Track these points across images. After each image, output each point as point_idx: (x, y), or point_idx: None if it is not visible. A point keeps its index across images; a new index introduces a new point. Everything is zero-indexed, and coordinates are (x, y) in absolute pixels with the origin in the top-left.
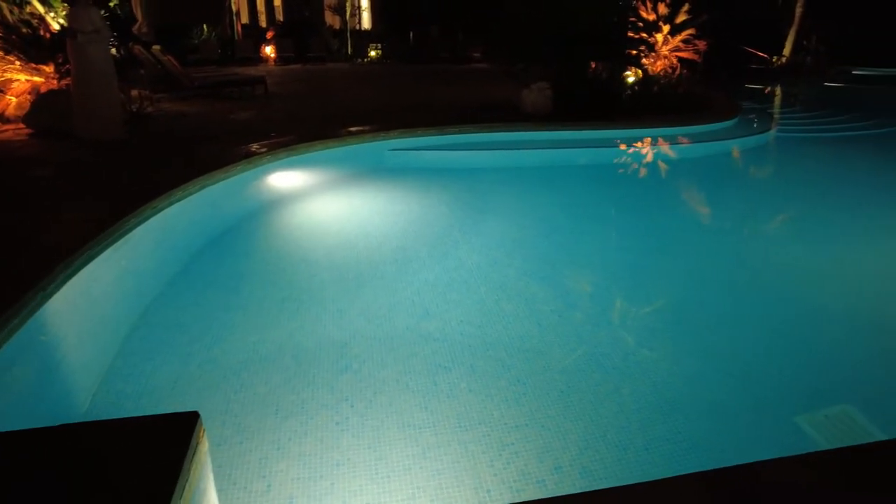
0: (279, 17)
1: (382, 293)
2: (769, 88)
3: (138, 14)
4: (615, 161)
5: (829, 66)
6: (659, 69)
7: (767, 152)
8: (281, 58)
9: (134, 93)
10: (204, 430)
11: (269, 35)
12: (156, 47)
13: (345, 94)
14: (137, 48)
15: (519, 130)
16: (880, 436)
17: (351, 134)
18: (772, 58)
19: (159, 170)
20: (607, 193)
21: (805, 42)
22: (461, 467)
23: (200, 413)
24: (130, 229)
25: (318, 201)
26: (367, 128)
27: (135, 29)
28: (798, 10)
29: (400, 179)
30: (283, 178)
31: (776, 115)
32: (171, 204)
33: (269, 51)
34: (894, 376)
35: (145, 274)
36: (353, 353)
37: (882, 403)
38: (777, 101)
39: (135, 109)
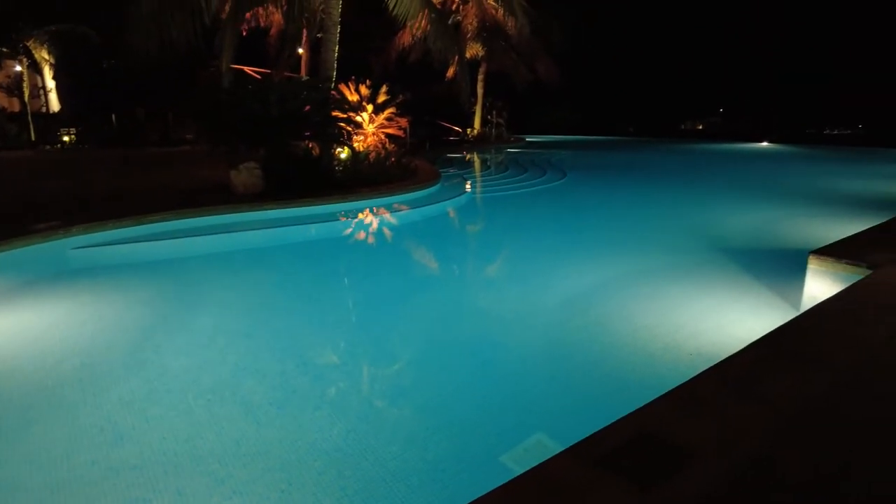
0: None
1: (59, 426)
2: (468, 156)
3: None
4: (329, 235)
5: (509, 136)
6: (370, 144)
7: (466, 211)
8: None
9: None
10: None
11: None
12: None
13: (22, 189)
14: None
15: (227, 213)
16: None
17: (19, 235)
18: (465, 130)
19: None
20: (324, 268)
21: (489, 117)
22: None
23: None
24: None
25: None
26: (42, 226)
27: None
28: (480, 91)
29: (88, 282)
30: None
31: (471, 179)
32: None
33: None
34: (569, 397)
35: None
36: None
37: (563, 422)
38: (473, 166)
39: None
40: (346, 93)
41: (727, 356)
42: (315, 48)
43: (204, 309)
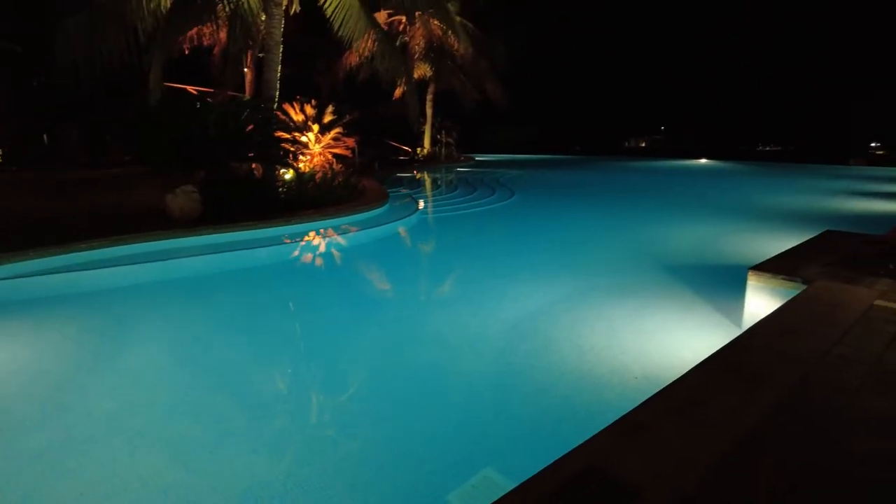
0: None
1: None
2: (418, 175)
3: None
4: (270, 261)
5: (458, 155)
6: (316, 165)
7: (414, 232)
8: None
9: None
10: None
11: None
12: None
13: None
14: None
15: (162, 239)
16: (511, 485)
17: None
18: (415, 149)
19: None
20: (263, 296)
21: (439, 136)
22: None
23: None
24: None
25: None
26: None
27: None
28: (429, 111)
29: (4, 318)
30: None
31: (421, 198)
32: None
33: None
34: (518, 428)
35: None
36: None
37: (511, 455)
38: (422, 185)
39: None
40: (292, 112)
41: (673, 380)
42: (260, 68)
43: (133, 344)
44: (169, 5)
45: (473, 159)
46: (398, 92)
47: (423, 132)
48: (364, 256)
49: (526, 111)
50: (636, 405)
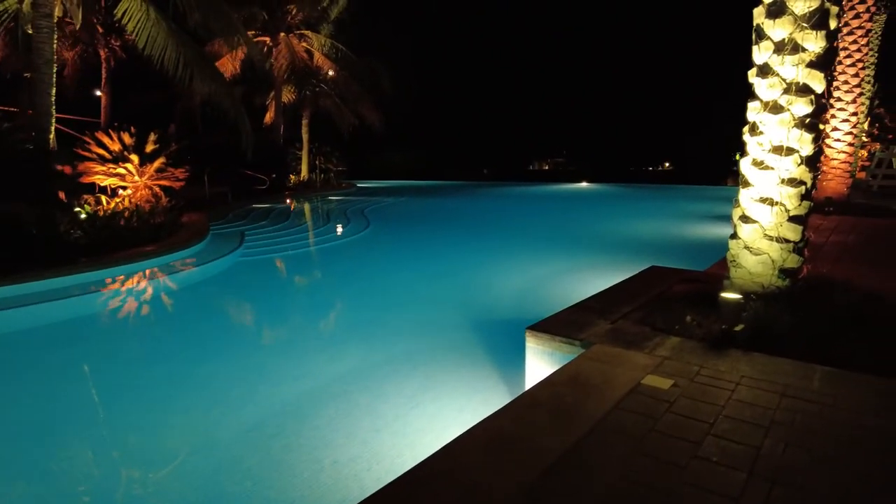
0: None
1: None
2: (291, 204)
3: None
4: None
5: (339, 182)
6: (140, 199)
7: (213, 282)
8: None
9: None
10: None
11: None
12: None
13: None
14: None
15: None
16: None
17: None
18: (285, 177)
19: None
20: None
21: (317, 162)
22: None
23: None
24: None
25: None
26: None
27: None
28: (305, 136)
29: None
30: None
31: (253, 234)
32: None
33: None
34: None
35: None
36: None
37: None
38: (271, 218)
39: None
40: (108, 142)
41: None
42: (117, 88)
43: None
44: None
45: (355, 186)
46: (268, 117)
47: (300, 158)
48: (128, 320)
49: (422, 135)
50: None
